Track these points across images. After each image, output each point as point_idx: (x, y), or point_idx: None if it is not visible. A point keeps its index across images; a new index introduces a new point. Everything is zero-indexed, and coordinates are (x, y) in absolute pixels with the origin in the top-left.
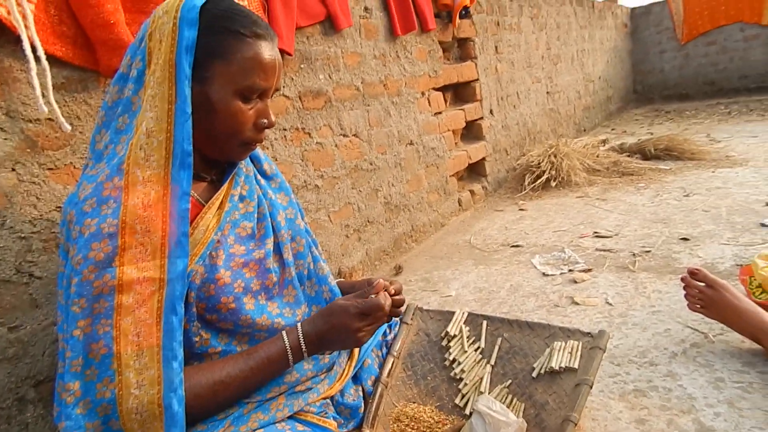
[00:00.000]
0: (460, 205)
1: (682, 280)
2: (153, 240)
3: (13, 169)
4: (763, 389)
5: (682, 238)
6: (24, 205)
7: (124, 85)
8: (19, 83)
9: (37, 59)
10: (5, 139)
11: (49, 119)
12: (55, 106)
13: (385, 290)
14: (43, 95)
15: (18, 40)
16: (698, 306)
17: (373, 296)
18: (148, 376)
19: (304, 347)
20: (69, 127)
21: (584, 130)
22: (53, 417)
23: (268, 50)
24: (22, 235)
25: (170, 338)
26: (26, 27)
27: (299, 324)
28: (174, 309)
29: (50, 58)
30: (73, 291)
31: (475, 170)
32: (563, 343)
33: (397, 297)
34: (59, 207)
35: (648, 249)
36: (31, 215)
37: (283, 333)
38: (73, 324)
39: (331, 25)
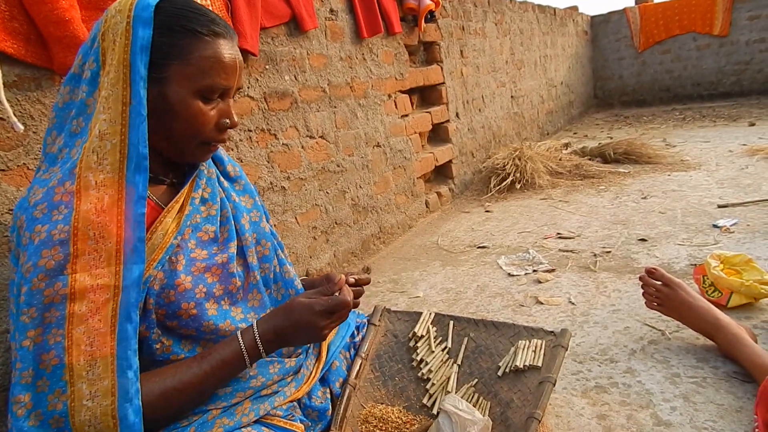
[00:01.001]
0: (427, 206)
1: (640, 279)
2: (107, 246)
3: None
4: (715, 384)
5: (640, 239)
6: None
7: (77, 86)
8: None
9: None
10: None
11: (1, 119)
12: (7, 105)
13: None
14: None
15: None
16: (655, 304)
17: (337, 294)
18: (101, 387)
19: (261, 347)
20: (22, 127)
21: (547, 134)
22: (7, 428)
23: (227, 49)
24: None
25: (125, 347)
26: None
27: (255, 322)
28: (129, 317)
29: (1, 55)
30: (22, 300)
31: (441, 172)
32: (527, 342)
33: (356, 288)
34: (12, 210)
35: (608, 249)
36: None
37: (238, 334)
38: (23, 334)
39: (296, 26)
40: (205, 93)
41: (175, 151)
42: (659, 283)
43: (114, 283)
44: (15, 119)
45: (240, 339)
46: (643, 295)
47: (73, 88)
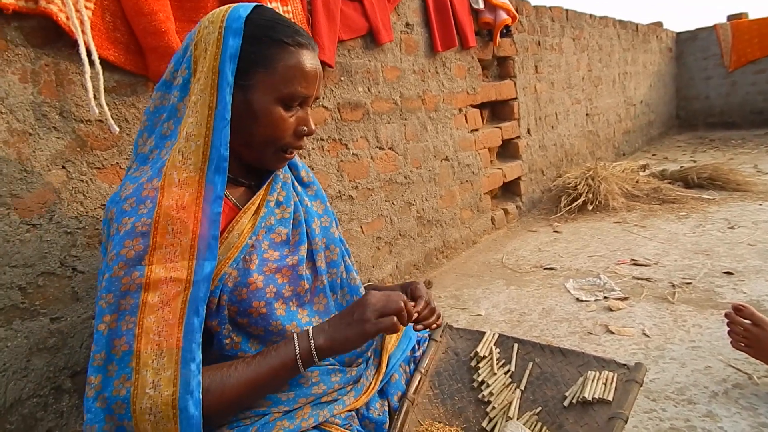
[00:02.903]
0: (493, 223)
1: (726, 316)
2: (183, 241)
3: (63, 167)
4: None
5: (725, 272)
6: (71, 201)
7: (168, 92)
8: (73, 85)
9: (92, 63)
10: (58, 137)
11: (99, 120)
12: (106, 108)
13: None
14: (95, 97)
15: (75, 44)
16: (742, 345)
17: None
18: (164, 377)
19: (314, 351)
20: (117, 129)
21: (623, 155)
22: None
23: (309, 59)
24: (68, 231)
25: (190, 339)
26: (83, 32)
27: (310, 328)
28: (197, 311)
29: (103, 62)
30: (103, 286)
31: (509, 189)
32: (597, 373)
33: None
34: (104, 205)
35: (688, 281)
36: (78, 211)
37: (294, 335)
38: (99, 318)
39: (372, 39)
40: (287, 100)
41: (254, 157)
42: (748, 321)
43: (186, 277)
44: (112, 121)
45: (296, 342)
46: (728, 333)
47: (164, 94)
